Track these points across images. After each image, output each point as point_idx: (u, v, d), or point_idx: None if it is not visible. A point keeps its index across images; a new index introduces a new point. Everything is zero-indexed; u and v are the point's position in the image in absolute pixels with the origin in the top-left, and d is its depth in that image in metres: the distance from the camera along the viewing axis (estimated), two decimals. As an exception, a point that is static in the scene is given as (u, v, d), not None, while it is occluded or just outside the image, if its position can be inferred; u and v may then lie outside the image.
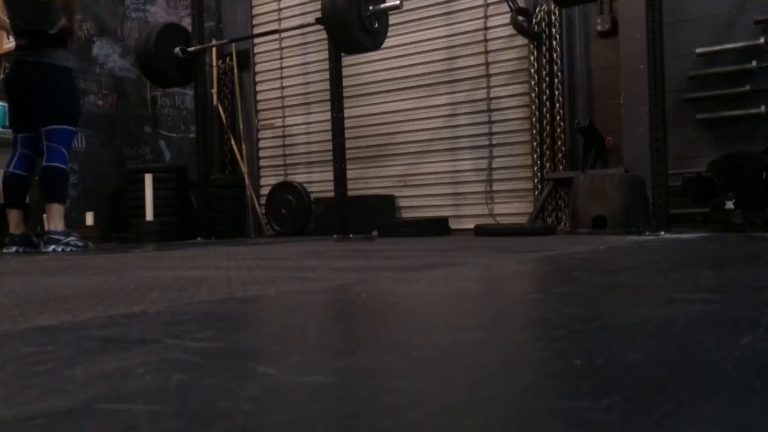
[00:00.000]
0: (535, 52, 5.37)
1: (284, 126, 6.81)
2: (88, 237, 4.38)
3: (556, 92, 5.28)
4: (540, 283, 1.66)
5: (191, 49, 5.61)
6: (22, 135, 4.10)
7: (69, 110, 4.10)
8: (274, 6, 6.78)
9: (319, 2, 4.85)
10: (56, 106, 4.02)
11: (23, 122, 4.09)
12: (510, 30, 5.40)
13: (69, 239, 4.01)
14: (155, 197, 5.47)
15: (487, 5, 5.68)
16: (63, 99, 4.07)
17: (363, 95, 6.25)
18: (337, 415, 0.53)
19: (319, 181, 6.50)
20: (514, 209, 5.60)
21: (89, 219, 5.49)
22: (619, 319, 0.96)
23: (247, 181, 6.45)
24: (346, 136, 5.53)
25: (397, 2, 4.86)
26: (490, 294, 1.49)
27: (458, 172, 5.86)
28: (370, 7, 4.83)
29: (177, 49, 5.55)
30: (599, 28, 5.20)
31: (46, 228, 4.03)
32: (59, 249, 3.92)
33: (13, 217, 4.02)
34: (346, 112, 5.59)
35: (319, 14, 4.89)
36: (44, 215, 4.17)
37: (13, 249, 3.96)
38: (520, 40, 5.48)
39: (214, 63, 6.74)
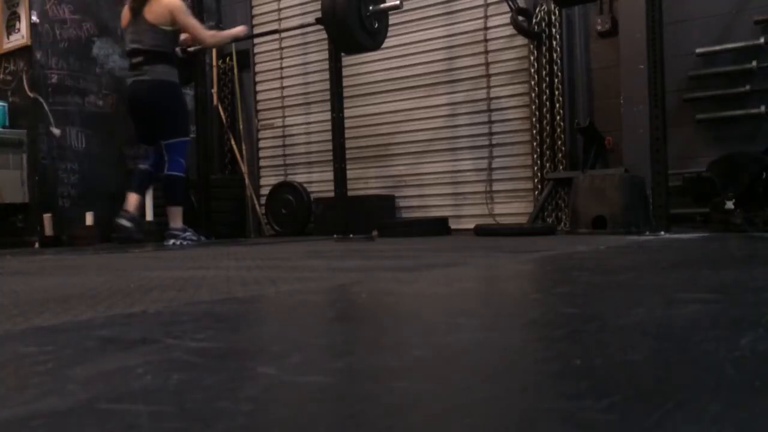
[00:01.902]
0: (535, 52, 5.37)
1: (284, 126, 6.81)
2: (87, 237, 4.39)
3: (556, 92, 5.28)
4: (540, 283, 1.66)
5: (191, 49, 5.61)
6: (148, 146, 4.84)
7: (183, 123, 4.84)
8: (274, 6, 6.78)
9: (319, 2, 4.85)
10: (172, 120, 4.72)
11: (147, 136, 4.80)
12: (510, 30, 5.40)
13: (185, 234, 4.73)
14: (155, 197, 5.46)
15: (487, 5, 5.67)
16: (178, 113, 4.79)
17: (363, 95, 6.25)
18: (337, 415, 0.53)
19: (319, 181, 6.50)
20: (514, 209, 5.60)
21: (89, 219, 5.49)
22: (619, 319, 0.96)
23: (247, 181, 6.45)
24: (346, 136, 5.53)
25: (397, 2, 4.85)
26: (490, 294, 1.49)
27: (458, 172, 5.86)
28: (370, 7, 4.82)
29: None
30: (599, 28, 5.20)
31: (169, 225, 4.73)
32: (177, 242, 4.61)
33: (133, 199, 4.67)
34: (346, 112, 5.58)
35: (319, 14, 4.89)
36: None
37: (125, 222, 4.56)
38: (520, 40, 5.48)
39: (214, 63, 6.74)
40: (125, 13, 4.80)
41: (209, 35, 5.06)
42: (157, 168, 4.75)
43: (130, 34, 4.74)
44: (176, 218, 4.74)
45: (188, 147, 4.94)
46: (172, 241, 4.64)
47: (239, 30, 5.21)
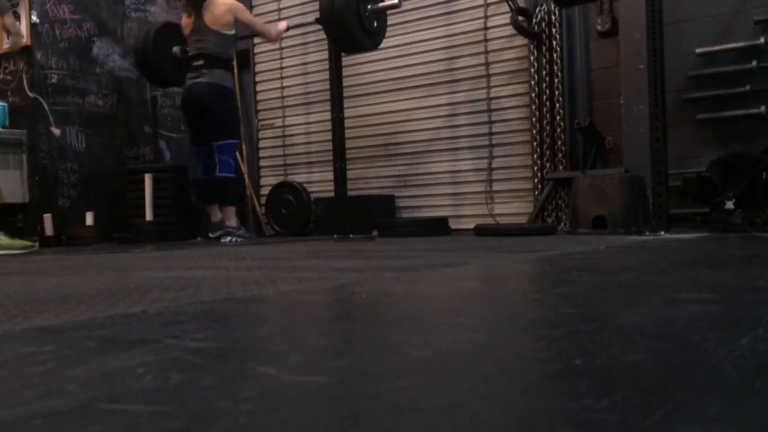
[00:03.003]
0: (535, 52, 5.36)
1: (284, 126, 6.81)
2: (87, 237, 4.40)
3: (556, 92, 5.28)
4: (540, 283, 1.66)
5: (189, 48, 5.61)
6: (199, 148, 5.04)
7: (233, 125, 5.11)
8: (274, 6, 6.78)
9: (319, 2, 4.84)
10: (225, 122, 4.95)
11: (200, 137, 5.01)
12: (510, 30, 5.40)
13: (240, 232, 5.00)
14: (155, 197, 5.46)
15: (487, 5, 5.67)
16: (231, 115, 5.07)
17: (363, 95, 6.25)
18: (337, 415, 0.53)
19: (319, 181, 6.50)
20: (514, 209, 5.60)
21: (89, 219, 5.48)
22: (619, 319, 0.96)
23: (247, 181, 6.45)
24: (346, 136, 5.53)
25: (396, 1, 4.85)
26: (490, 294, 1.49)
27: (458, 172, 5.86)
28: (369, 7, 4.82)
29: (175, 49, 5.56)
30: (599, 28, 5.20)
31: (225, 224, 4.96)
32: (234, 240, 4.86)
33: (212, 210, 5.03)
34: (346, 112, 5.58)
35: (319, 14, 4.88)
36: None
37: (218, 233, 4.94)
38: (520, 40, 5.48)
39: (214, 63, 6.73)
40: (185, 20, 5.08)
41: (275, 33, 5.27)
42: (209, 172, 5.00)
43: (192, 38, 4.99)
44: (231, 218, 4.99)
45: (237, 149, 5.22)
46: (229, 239, 4.88)
47: (284, 25, 5.40)
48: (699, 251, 2.56)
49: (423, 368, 0.69)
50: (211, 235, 5.02)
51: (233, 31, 4.98)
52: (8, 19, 3.86)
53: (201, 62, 4.87)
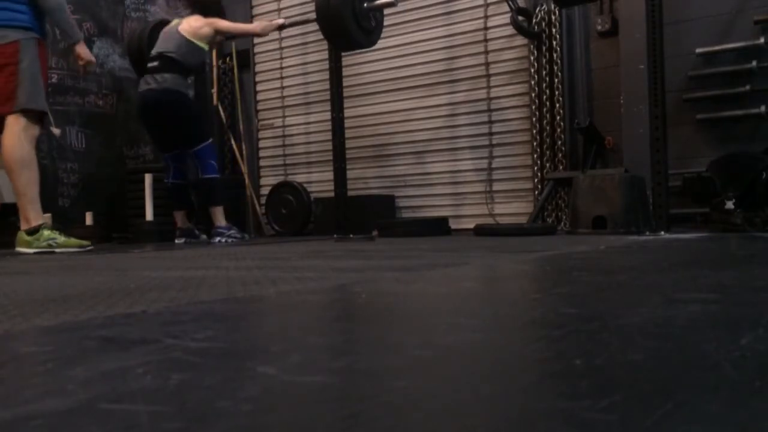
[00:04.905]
0: (535, 52, 5.37)
1: (284, 126, 6.81)
2: (87, 237, 4.38)
3: (556, 92, 5.28)
4: (540, 283, 1.66)
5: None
6: (169, 154, 4.97)
7: (203, 128, 5.03)
8: (274, 6, 6.78)
9: (319, 2, 4.84)
10: (193, 127, 4.88)
11: (168, 144, 4.94)
12: (510, 30, 5.40)
13: (230, 232, 4.95)
14: (155, 197, 5.46)
15: (487, 5, 5.67)
16: (197, 119, 4.99)
17: (363, 95, 6.25)
18: (337, 415, 0.53)
19: (319, 181, 6.50)
20: (514, 209, 5.60)
21: (89, 219, 5.49)
22: (619, 319, 0.96)
23: (247, 181, 6.45)
24: (346, 136, 5.53)
25: None
26: (490, 294, 1.49)
27: (458, 172, 5.86)
28: (365, 5, 4.81)
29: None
30: (599, 28, 5.20)
31: (214, 224, 4.97)
32: (223, 240, 4.84)
33: (179, 216, 5.04)
34: (346, 112, 5.58)
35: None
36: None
37: (182, 240, 4.94)
38: (520, 40, 5.48)
39: (214, 63, 6.74)
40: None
41: (260, 28, 5.20)
42: (179, 176, 5.02)
43: (159, 41, 4.95)
44: (219, 218, 4.96)
45: (214, 146, 5.22)
46: (218, 239, 4.87)
47: (280, 21, 5.35)
48: (699, 251, 2.56)
49: (423, 368, 0.68)
50: (176, 240, 4.97)
51: (205, 45, 4.93)
52: (81, 48, 4.00)
53: (156, 63, 4.77)
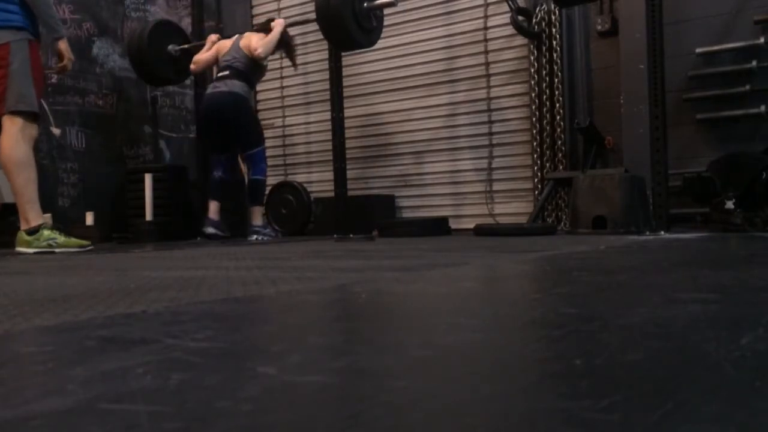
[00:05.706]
0: (535, 52, 5.37)
1: (284, 126, 6.81)
2: (87, 237, 4.38)
3: (556, 92, 5.28)
4: (540, 283, 1.66)
5: (187, 46, 5.62)
6: (223, 155, 5.24)
7: (259, 133, 5.31)
8: (274, 6, 6.78)
9: (319, 2, 4.84)
10: (251, 132, 5.17)
11: (225, 146, 5.21)
12: (510, 30, 5.40)
13: (266, 231, 5.21)
14: (155, 197, 5.46)
15: (487, 5, 5.67)
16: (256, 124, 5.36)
17: (363, 95, 6.25)
18: (337, 415, 0.53)
19: (319, 181, 6.50)
20: (514, 209, 5.60)
21: (89, 219, 5.48)
22: (619, 319, 0.96)
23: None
24: (346, 135, 5.53)
25: None
26: (490, 294, 1.49)
27: (458, 172, 5.86)
28: (365, 4, 4.81)
29: (171, 47, 5.58)
30: (599, 28, 5.20)
31: (251, 223, 5.22)
32: (259, 238, 5.06)
33: (214, 206, 5.17)
34: (346, 112, 5.58)
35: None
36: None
37: (211, 230, 5.09)
38: (520, 40, 5.48)
39: (214, 63, 6.73)
40: (222, 44, 5.34)
41: (277, 31, 5.17)
42: (231, 174, 5.30)
43: (224, 57, 5.21)
44: (258, 217, 5.23)
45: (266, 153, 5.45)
46: (254, 237, 5.10)
47: (281, 21, 5.33)
48: (699, 251, 2.56)
49: (423, 368, 0.68)
50: (205, 230, 5.13)
51: (264, 63, 5.20)
52: (63, 44, 4.00)
53: (227, 73, 5.05)
